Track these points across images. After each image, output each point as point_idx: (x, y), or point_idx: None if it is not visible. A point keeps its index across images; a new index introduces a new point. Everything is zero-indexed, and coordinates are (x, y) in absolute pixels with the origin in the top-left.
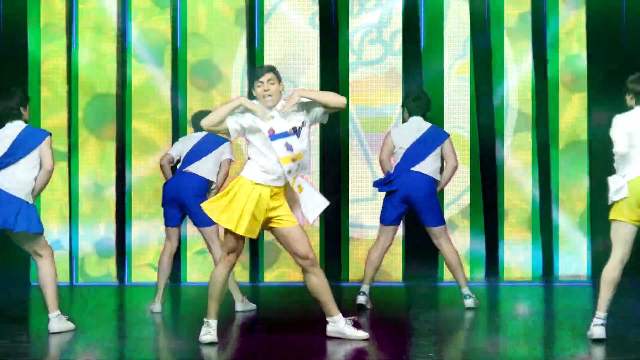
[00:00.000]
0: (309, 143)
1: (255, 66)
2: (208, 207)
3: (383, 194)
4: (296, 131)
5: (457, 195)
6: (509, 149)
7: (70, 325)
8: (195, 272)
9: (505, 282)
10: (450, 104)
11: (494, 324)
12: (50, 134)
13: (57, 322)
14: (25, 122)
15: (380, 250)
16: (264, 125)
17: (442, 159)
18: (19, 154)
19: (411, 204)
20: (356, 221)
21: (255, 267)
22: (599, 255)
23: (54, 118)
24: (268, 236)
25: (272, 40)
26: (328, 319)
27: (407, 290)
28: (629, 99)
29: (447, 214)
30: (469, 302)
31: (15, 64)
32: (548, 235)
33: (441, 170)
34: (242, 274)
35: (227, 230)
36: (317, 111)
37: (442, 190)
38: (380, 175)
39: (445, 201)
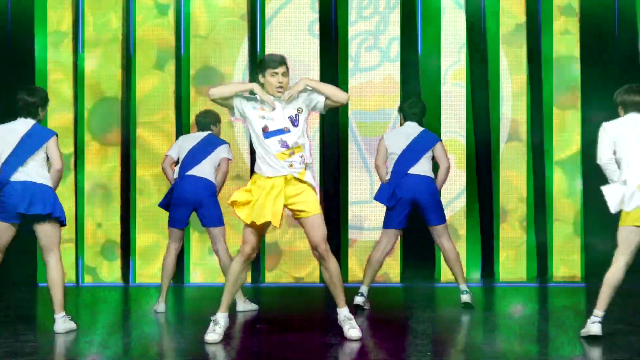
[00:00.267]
0: (307, 130)
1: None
2: (234, 205)
3: None
4: (292, 120)
5: (453, 197)
6: (504, 153)
7: (72, 326)
8: (198, 273)
9: (501, 283)
10: (446, 110)
11: (490, 324)
12: (57, 134)
13: (62, 323)
14: (39, 122)
15: (381, 253)
16: (259, 122)
17: (433, 161)
18: (26, 152)
19: (416, 205)
20: (355, 223)
21: (257, 268)
22: (593, 257)
23: (58, 119)
24: (270, 238)
25: (273, 47)
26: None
27: (404, 290)
28: (620, 111)
29: (446, 214)
30: (465, 298)
31: (22, 70)
32: (542, 237)
33: (433, 170)
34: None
35: (246, 224)
36: (319, 100)
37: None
38: (377, 179)
39: (444, 202)
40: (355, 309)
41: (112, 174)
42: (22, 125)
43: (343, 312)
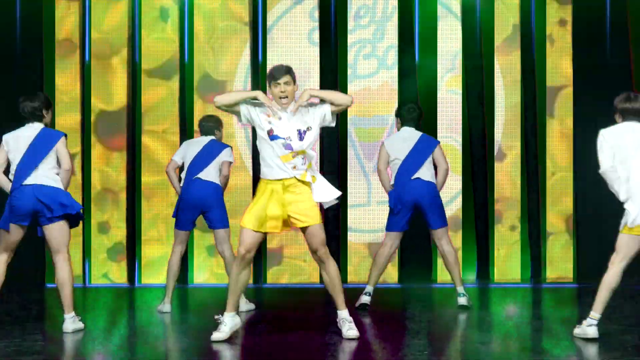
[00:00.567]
0: (314, 143)
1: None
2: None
3: (378, 199)
4: (300, 133)
5: (449, 199)
6: (500, 157)
7: (81, 326)
8: (202, 274)
9: (496, 284)
10: (442, 116)
11: (485, 324)
12: (65, 135)
13: (72, 323)
14: (46, 125)
15: (386, 255)
16: (266, 125)
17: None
18: (38, 156)
19: (418, 209)
20: (354, 226)
21: (258, 270)
22: (584, 258)
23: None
24: (271, 242)
25: (274, 54)
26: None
27: (402, 291)
28: (617, 118)
29: None
30: (462, 300)
31: (30, 78)
32: (536, 239)
33: (434, 174)
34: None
35: (244, 230)
36: (325, 112)
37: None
38: (377, 182)
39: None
40: (362, 309)
41: (118, 174)
42: (31, 130)
43: (342, 314)
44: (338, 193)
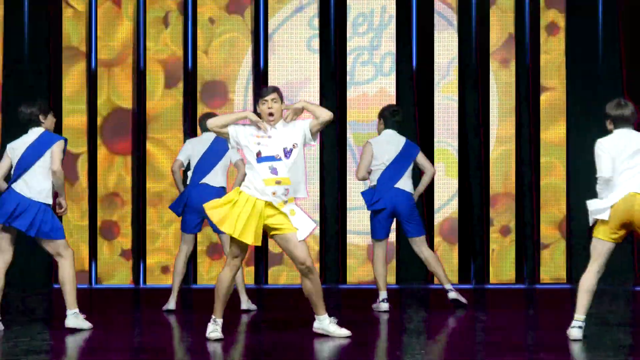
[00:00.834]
0: (304, 168)
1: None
2: (209, 206)
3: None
4: (286, 152)
5: (443, 203)
6: (494, 162)
7: (86, 324)
8: (206, 275)
9: (491, 285)
10: (438, 122)
11: (480, 324)
12: (65, 139)
13: (74, 318)
14: (47, 130)
15: (383, 261)
16: (254, 147)
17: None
18: (33, 157)
19: (397, 218)
20: (353, 228)
21: (259, 270)
22: (577, 259)
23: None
24: (272, 243)
25: (274, 61)
26: (315, 316)
27: (399, 292)
28: (608, 124)
29: (437, 219)
30: (452, 295)
31: (38, 85)
32: (530, 241)
33: (412, 184)
34: (246, 278)
35: (232, 237)
36: (306, 132)
37: (420, 196)
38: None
39: (435, 207)
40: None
41: (123, 182)
42: (32, 135)
43: (326, 317)
44: (314, 225)
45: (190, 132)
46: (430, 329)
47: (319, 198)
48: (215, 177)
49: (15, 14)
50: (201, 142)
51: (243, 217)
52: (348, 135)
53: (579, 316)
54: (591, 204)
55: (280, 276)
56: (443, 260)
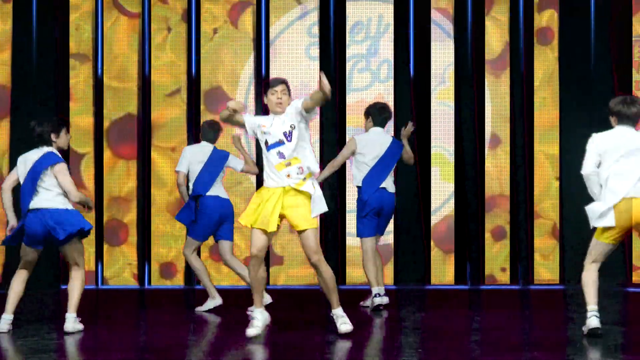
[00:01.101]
0: (310, 146)
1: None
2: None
3: None
4: (286, 135)
5: (439, 205)
6: (489, 166)
7: (80, 326)
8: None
9: (486, 286)
10: (435, 127)
11: (477, 324)
12: (64, 161)
13: (72, 322)
14: (58, 148)
15: (373, 259)
16: (262, 137)
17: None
18: (33, 179)
19: (379, 215)
20: (352, 230)
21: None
22: (571, 260)
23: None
24: (275, 247)
25: (275, 69)
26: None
27: (397, 292)
28: (613, 121)
29: (433, 220)
30: (378, 300)
31: (45, 93)
32: (524, 242)
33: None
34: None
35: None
36: (297, 105)
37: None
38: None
39: (432, 208)
40: (379, 308)
41: (129, 185)
42: (36, 154)
43: (337, 311)
44: (326, 209)
45: (194, 139)
46: (428, 329)
47: (321, 197)
48: (222, 190)
49: (24, 19)
50: (201, 152)
51: (262, 209)
52: (347, 140)
53: (592, 307)
54: (591, 210)
55: (279, 277)
56: (439, 262)
